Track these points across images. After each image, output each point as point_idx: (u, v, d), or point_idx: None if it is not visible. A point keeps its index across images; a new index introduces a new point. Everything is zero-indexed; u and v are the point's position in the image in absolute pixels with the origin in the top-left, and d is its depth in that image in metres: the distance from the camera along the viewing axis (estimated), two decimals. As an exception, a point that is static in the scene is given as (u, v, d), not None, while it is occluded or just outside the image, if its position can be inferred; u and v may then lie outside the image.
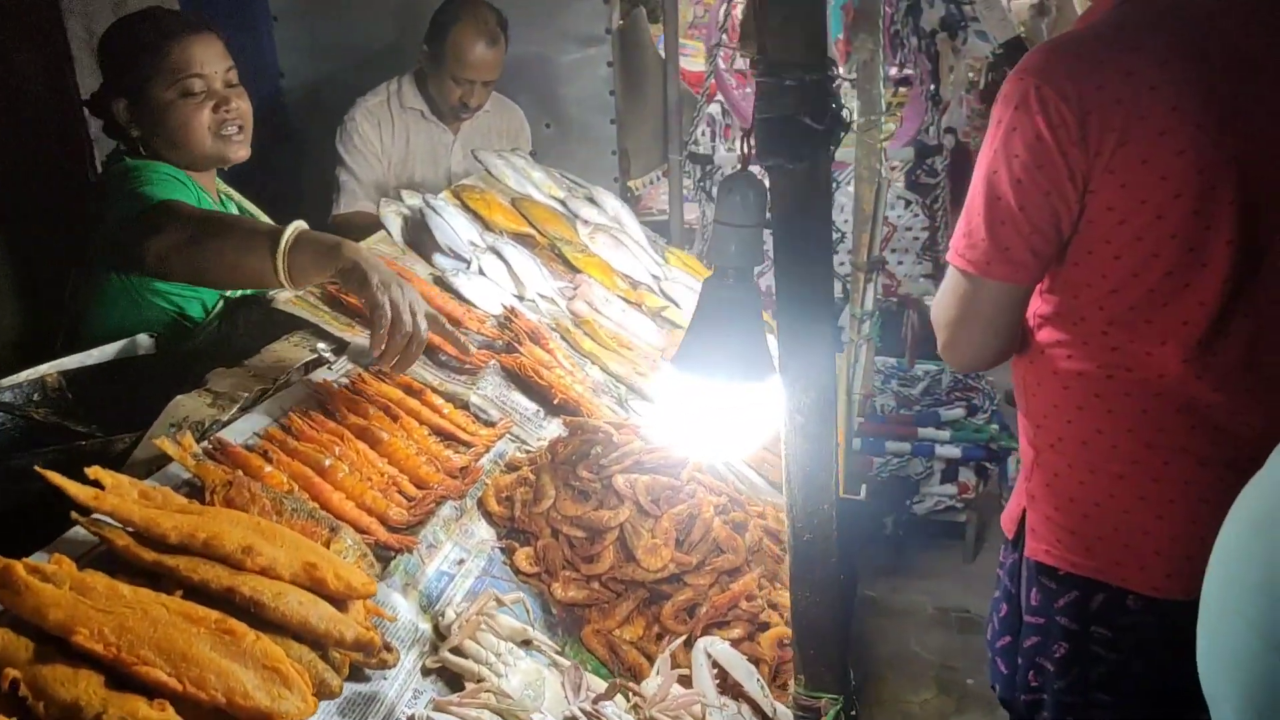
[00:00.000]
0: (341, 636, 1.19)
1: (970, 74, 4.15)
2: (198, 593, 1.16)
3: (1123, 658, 1.75)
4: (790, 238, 1.04)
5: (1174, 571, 1.64)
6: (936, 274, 4.10)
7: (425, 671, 1.38)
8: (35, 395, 1.80)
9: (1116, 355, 1.64)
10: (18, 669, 1.00)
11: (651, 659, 1.59)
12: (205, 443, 1.49)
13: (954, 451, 3.99)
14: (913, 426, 4.02)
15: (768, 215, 1.08)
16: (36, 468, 1.20)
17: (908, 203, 4.03)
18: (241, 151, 2.15)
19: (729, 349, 1.13)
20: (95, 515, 1.21)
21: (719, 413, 1.18)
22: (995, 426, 4.07)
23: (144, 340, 2.12)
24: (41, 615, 1.05)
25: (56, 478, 1.19)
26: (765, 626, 1.65)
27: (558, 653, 1.48)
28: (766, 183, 1.08)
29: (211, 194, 2.20)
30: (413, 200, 2.50)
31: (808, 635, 1.22)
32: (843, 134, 1.01)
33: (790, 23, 0.97)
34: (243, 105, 2.14)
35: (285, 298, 1.94)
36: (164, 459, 1.45)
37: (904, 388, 4.25)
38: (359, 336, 1.94)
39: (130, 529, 1.21)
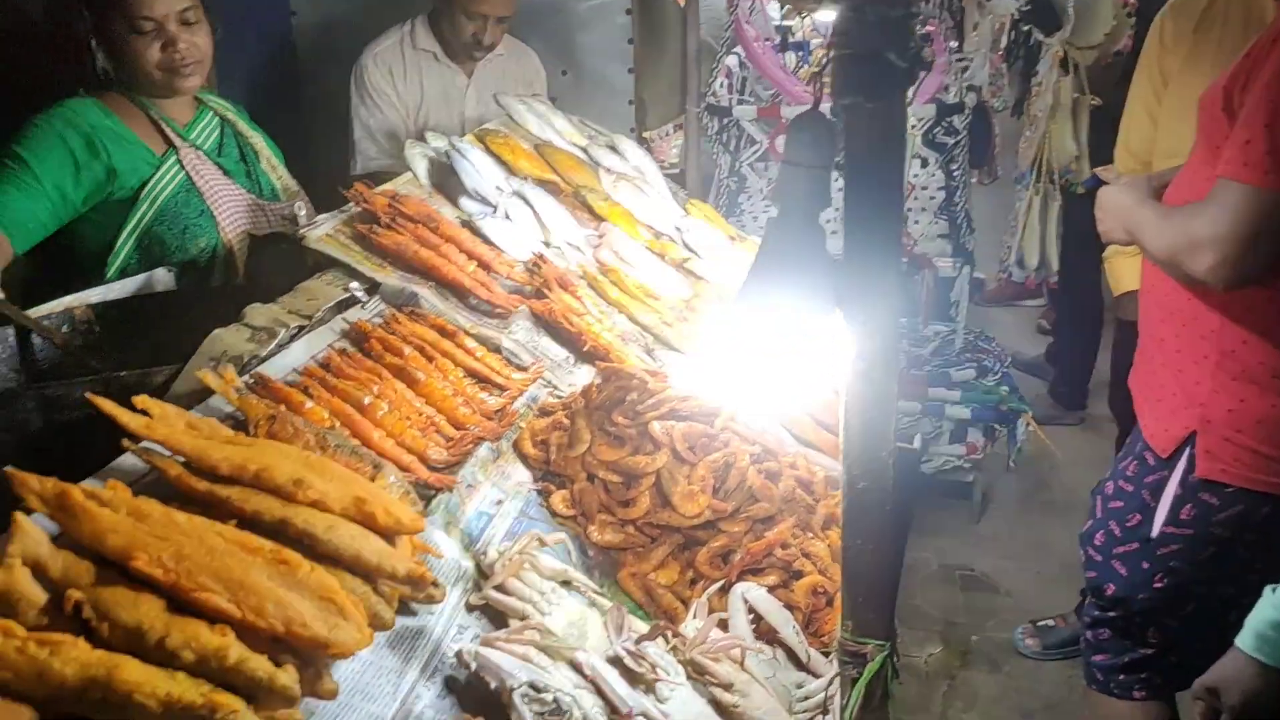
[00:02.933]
0: (394, 570, 1.19)
1: (993, 32, 4.08)
2: (250, 524, 1.16)
3: (1252, 556, 1.96)
4: (862, 179, 1.02)
5: None
6: (951, 233, 4.07)
7: (469, 608, 1.39)
8: (64, 327, 1.79)
9: None
10: (80, 591, 1.00)
11: (686, 604, 1.60)
12: (245, 377, 1.48)
13: (963, 412, 4.00)
14: (923, 386, 4.02)
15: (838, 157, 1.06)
16: (87, 394, 1.19)
17: (925, 161, 3.99)
18: (190, 83, 2.24)
19: (794, 292, 1.11)
20: (145, 444, 1.21)
21: (777, 356, 1.17)
22: (1005, 388, 4.07)
23: (162, 275, 2.11)
24: (100, 540, 1.05)
25: (108, 405, 1.18)
26: (799, 575, 1.65)
27: (598, 594, 1.48)
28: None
29: (173, 113, 2.25)
30: (438, 142, 2.46)
31: (857, 582, 1.22)
32: (922, 73, 0.99)
33: (874, -45, 0.94)
34: (196, 42, 2.20)
35: (316, 235, 1.92)
36: (204, 393, 1.44)
37: (915, 347, 4.25)
38: (391, 276, 1.92)
39: (181, 459, 1.20)
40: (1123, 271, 2.78)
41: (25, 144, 2.06)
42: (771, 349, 1.20)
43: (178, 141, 2.23)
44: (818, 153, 1.07)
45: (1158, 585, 2.07)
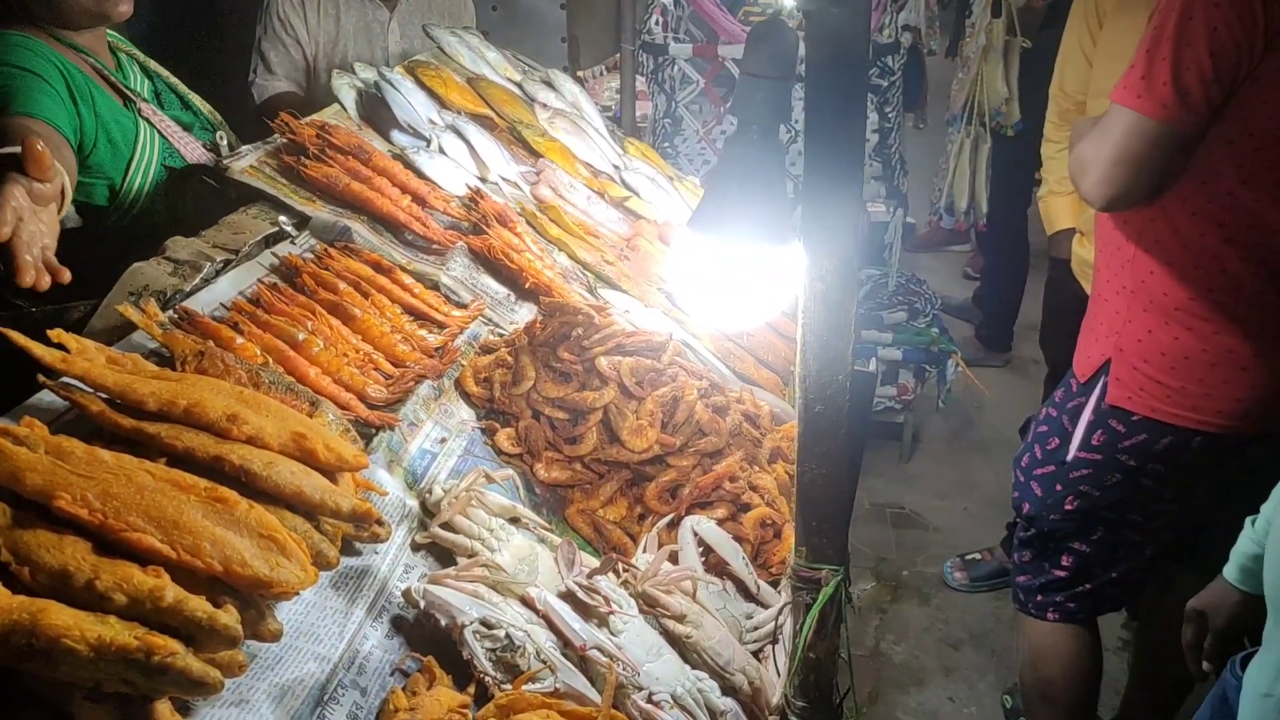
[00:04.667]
0: (337, 507, 1.14)
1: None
2: (182, 462, 1.10)
3: (1159, 486, 2.04)
4: (824, 89, 0.99)
5: (1248, 413, 1.88)
6: (886, 175, 4.08)
7: (414, 547, 1.35)
8: (-36, 265, 1.66)
9: (1239, 216, 1.76)
10: (-4, 535, 0.93)
11: (635, 539, 1.58)
12: (170, 312, 1.40)
13: (895, 354, 4.06)
14: (856, 328, 4.06)
15: (799, 69, 1.02)
16: (-3, 326, 1.10)
17: (859, 104, 3.97)
18: (122, 7, 1.93)
19: (749, 210, 1.08)
20: (63, 380, 1.12)
21: (733, 278, 1.14)
22: (935, 330, 4.14)
23: (70, 212, 1.96)
24: (17, 479, 0.97)
25: (20, 338, 1.09)
26: (746, 508, 1.65)
27: (546, 530, 1.45)
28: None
29: (101, 57, 1.99)
30: (366, 74, 2.35)
31: (812, 507, 1.22)
32: None
33: None
34: None
35: (240, 168, 1.82)
36: (124, 328, 1.36)
37: (847, 291, 4.27)
38: (321, 210, 1.83)
39: (103, 395, 1.13)
40: (1057, 210, 2.82)
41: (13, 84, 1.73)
42: (724, 277, 1.17)
43: (130, 95, 1.98)
44: (777, 63, 1.04)
45: (1068, 508, 2.15)
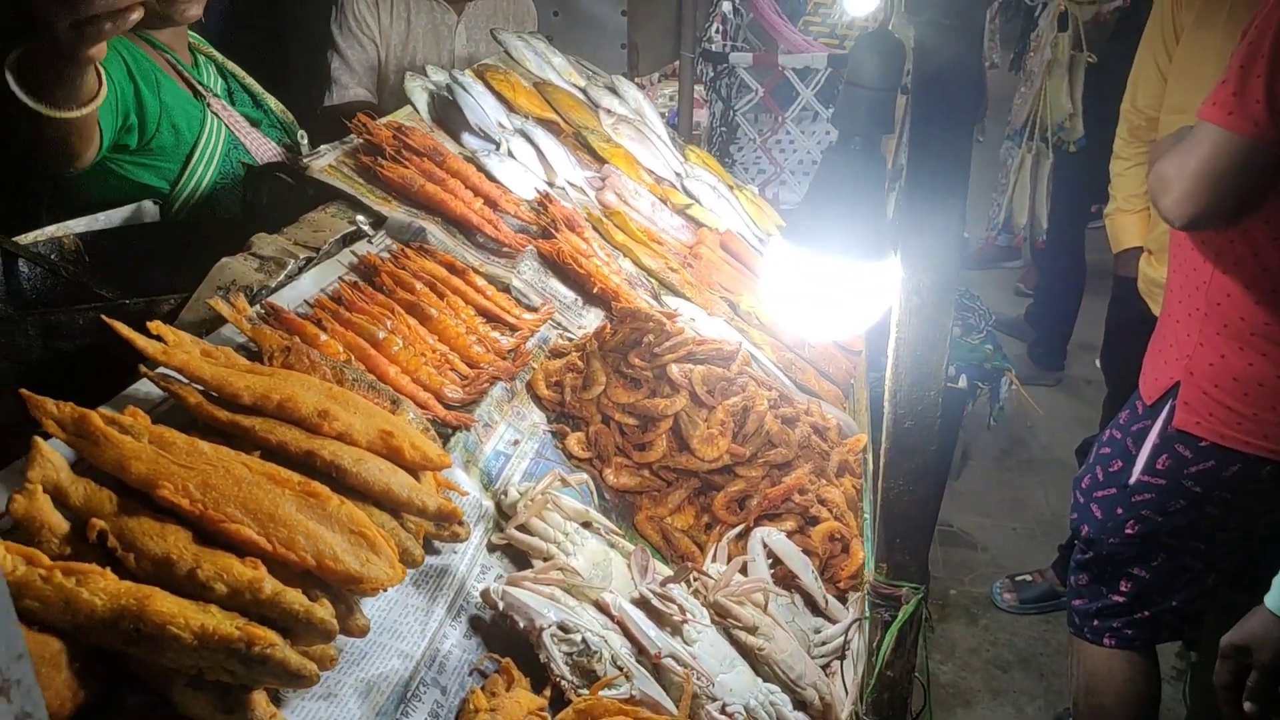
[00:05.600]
0: (424, 506, 1.15)
1: (989, -14, 4.02)
2: (275, 455, 1.11)
3: (1224, 514, 2.00)
4: (932, 102, 0.98)
5: None
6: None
7: (491, 548, 1.36)
8: (53, 255, 1.70)
9: None
10: (103, 520, 0.95)
11: (703, 547, 1.58)
12: (256, 307, 1.42)
13: (949, 370, 4.01)
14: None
15: (905, 79, 1.01)
16: (103, 318, 1.12)
17: (918, 116, 3.94)
18: (191, 11, 1.98)
19: (847, 223, 1.07)
20: (161, 371, 1.14)
21: (825, 291, 1.13)
22: (989, 347, 4.09)
23: (149, 206, 2.01)
24: (123, 468, 0.99)
25: (125, 329, 1.12)
26: (814, 521, 1.64)
27: (618, 535, 1.45)
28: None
29: (178, 54, 2.05)
30: (438, 76, 2.37)
31: (896, 523, 1.20)
32: (1002, -8, 0.94)
33: None
34: None
35: (320, 166, 1.84)
36: (213, 322, 1.38)
37: (900, 305, 4.23)
38: (396, 210, 1.85)
39: (200, 387, 1.14)
40: (1124, 228, 2.78)
41: None
42: (815, 289, 1.16)
43: (201, 89, 2.04)
44: (883, 74, 1.03)
45: (1129, 532, 2.11)
